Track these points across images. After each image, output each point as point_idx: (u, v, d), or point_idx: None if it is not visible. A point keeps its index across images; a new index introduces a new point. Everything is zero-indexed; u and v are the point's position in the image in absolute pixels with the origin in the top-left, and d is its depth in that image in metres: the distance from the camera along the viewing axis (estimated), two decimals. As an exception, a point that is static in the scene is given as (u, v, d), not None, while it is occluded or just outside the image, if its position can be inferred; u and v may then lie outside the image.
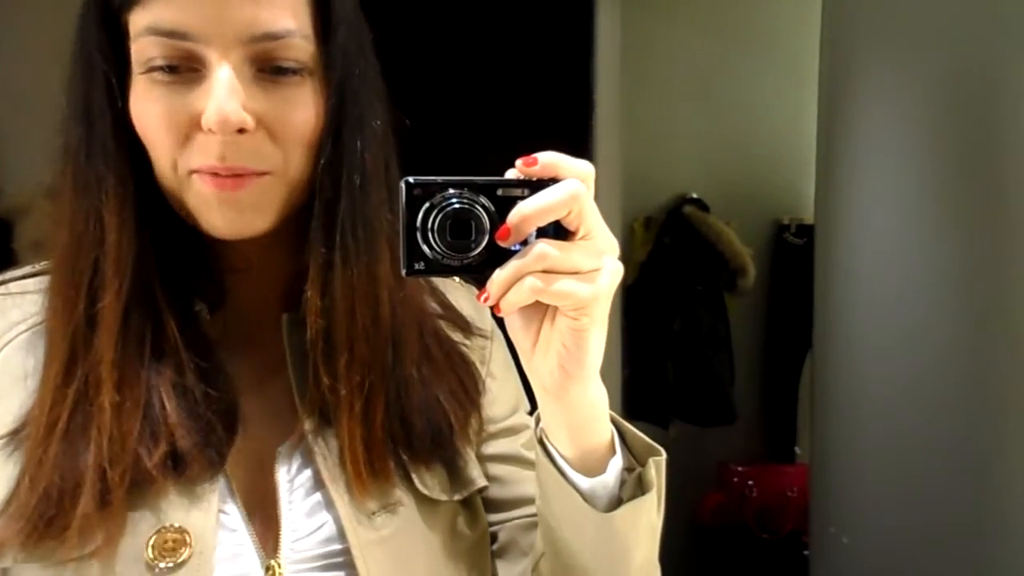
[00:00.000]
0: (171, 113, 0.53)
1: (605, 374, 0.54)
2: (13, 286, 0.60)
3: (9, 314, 0.58)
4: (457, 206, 0.48)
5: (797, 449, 2.79)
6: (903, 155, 1.38)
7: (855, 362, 1.55)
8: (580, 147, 1.98)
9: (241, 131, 0.52)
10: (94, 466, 0.52)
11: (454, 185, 0.48)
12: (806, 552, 2.05)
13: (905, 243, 1.39)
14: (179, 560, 0.53)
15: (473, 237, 0.48)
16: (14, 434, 0.54)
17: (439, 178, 0.48)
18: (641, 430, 0.57)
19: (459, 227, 0.48)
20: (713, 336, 2.78)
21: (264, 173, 0.54)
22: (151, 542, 0.53)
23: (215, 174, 0.53)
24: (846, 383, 1.57)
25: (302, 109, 0.55)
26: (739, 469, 2.77)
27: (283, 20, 0.53)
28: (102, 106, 0.54)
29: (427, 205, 0.48)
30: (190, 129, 0.53)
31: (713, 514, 2.79)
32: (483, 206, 0.48)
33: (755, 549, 2.68)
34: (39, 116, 1.62)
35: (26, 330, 0.57)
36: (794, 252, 2.78)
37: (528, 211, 0.46)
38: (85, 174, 0.55)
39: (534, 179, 0.48)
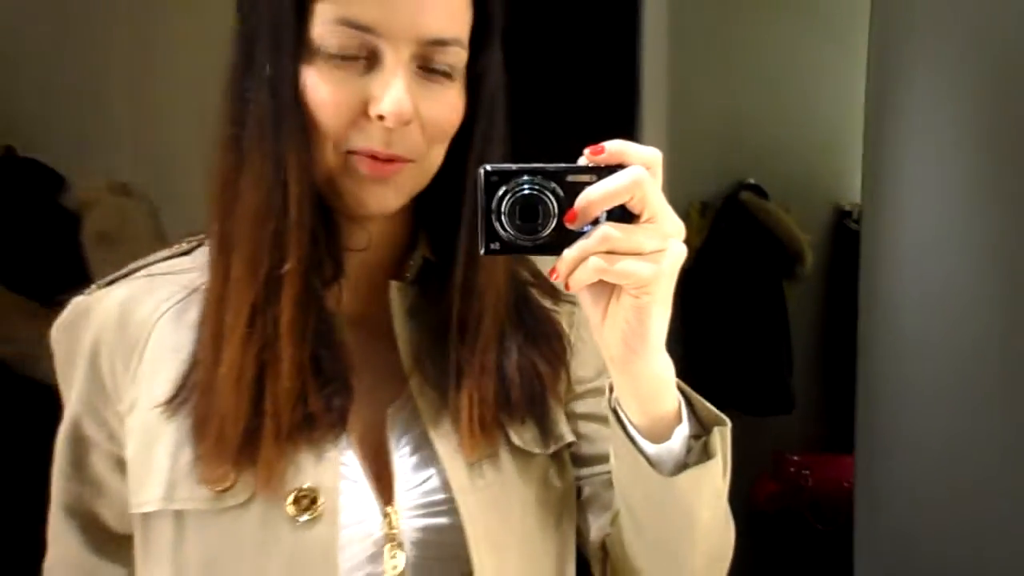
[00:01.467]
0: (343, 97, 0.58)
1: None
2: (155, 268, 0.67)
3: (157, 294, 0.65)
4: (527, 192, 0.51)
5: (856, 440, 2.72)
6: (951, 139, 1.35)
7: (900, 348, 1.51)
8: (625, 132, 1.99)
9: (407, 123, 0.58)
10: (270, 415, 0.59)
11: (527, 172, 0.52)
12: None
13: (952, 228, 1.36)
14: (314, 515, 0.60)
15: (540, 220, 0.51)
16: (171, 401, 0.61)
17: (514, 166, 0.52)
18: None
19: (527, 211, 0.52)
20: (770, 324, 2.75)
21: (410, 161, 0.60)
22: (290, 499, 0.60)
23: (373, 157, 0.59)
24: (891, 370, 1.55)
25: (448, 109, 0.61)
26: (795, 458, 2.74)
27: (453, 30, 0.60)
28: (289, 79, 0.58)
29: (502, 190, 0.52)
30: (357, 114, 0.58)
31: (768, 501, 2.77)
32: (552, 191, 0.51)
33: (810, 539, 2.65)
34: (107, 114, 1.73)
35: (171, 307, 0.64)
36: (855, 238, 2.70)
37: (593, 196, 0.50)
38: (271, 145, 0.59)
39: (602, 166, 0.51)
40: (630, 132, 1.98)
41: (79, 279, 1.35)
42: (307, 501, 0.60)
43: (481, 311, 0.64)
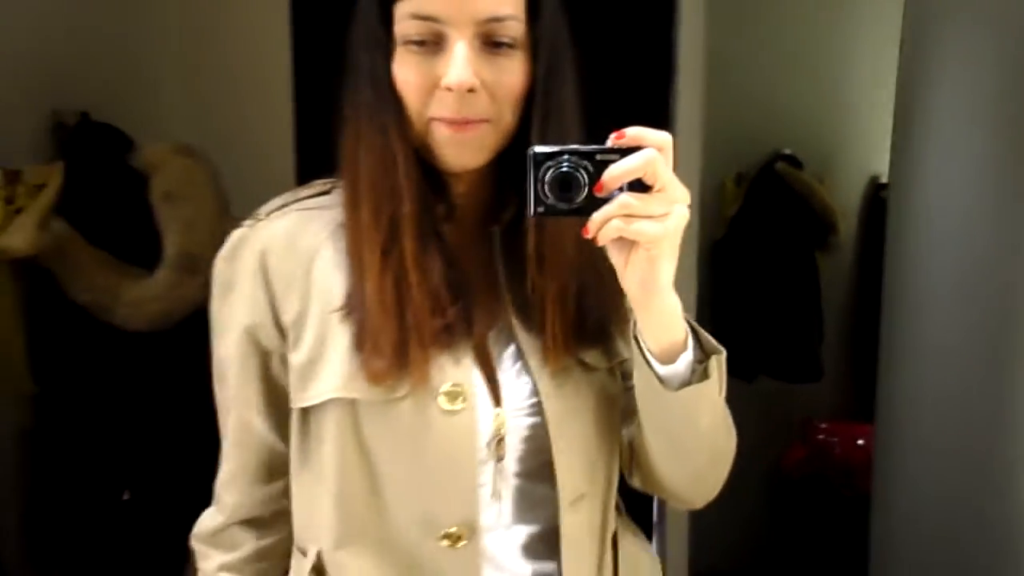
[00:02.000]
0: (420, 75, 0.72)
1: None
2: (305, 204, 0.80)
3: (313, 224, 0.78)
4: (565, 168, 0.65)
5: (883, 408, 2.75)
6: (980, 112, 1.37)
7: (923, 315, 1.54)
8: (661, 108, 2.02)
9: (471, 91, 0.71)
10: (413, 331, 0.73)
11: (566, 152, 0.65)
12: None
13: (979, 200, 1.38)
14: (461, 406, 0.74)
15: (574, 190, 0.65)
16: (346, 306, 0.74)
17: (555, 147, 0.66)
18: (726, 384, 0.75)
19: (565, 183, 0.65)
20: (802, 293, 2.77)
21: (484, 121, 0.73)
22: (442, 393, 0.74)
23: (450, 122, 0.72)
24: (913, 339, 1.57)
25: (513, 75, 0.73)
26: (823, 426, 2.77)
27: (505, 8, 0.71)
28: (385, 70, 0.73)
29: (545, 166, 0.65)
30: (433, 87, 0.72)
31: (795, 467, 2.82)
32: (584, 168, 0.65)
33: (837, 505, 2.70)
34: (171, 82, 1.83)
35: (328, 235, 0.77)
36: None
37: (616, 172, 0.64)
38: (377, 119, 0.74)
39: (624, 147, 0.65)
40: (666, 105, 2.02)
41: (148, 234, 1.46)
42: (452, 395, 0.74)
43: (556, 250, 0.77)
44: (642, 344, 0.72)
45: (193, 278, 1.44)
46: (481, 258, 0.80)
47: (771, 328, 2.73)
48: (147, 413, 1.50)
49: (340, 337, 0.74)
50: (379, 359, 0.72)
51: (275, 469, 0.82)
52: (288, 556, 0.84)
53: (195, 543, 0.85)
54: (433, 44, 0.71)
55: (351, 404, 0.74)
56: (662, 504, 2.20)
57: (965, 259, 1.42)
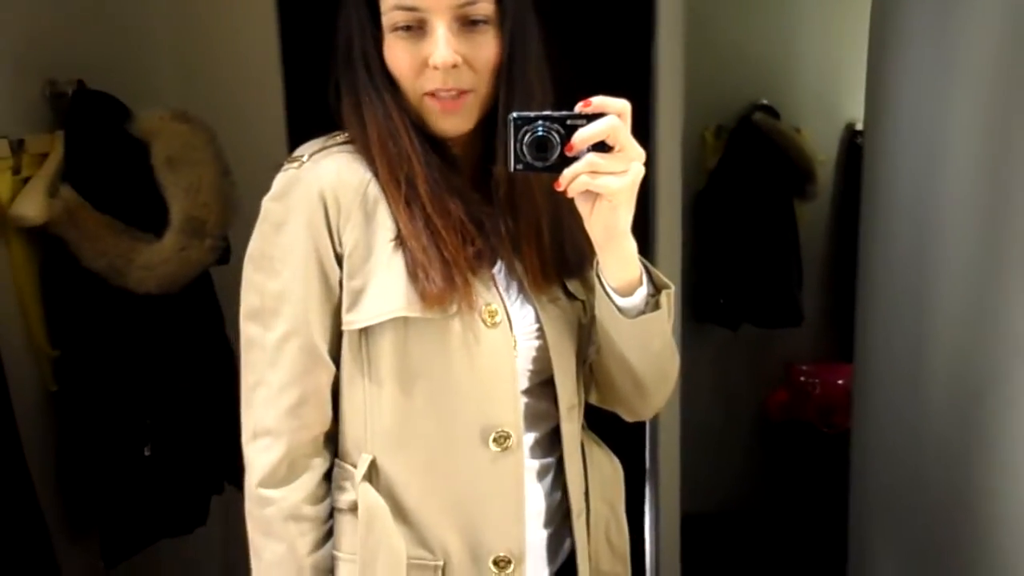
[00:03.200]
0: (410, 57, 0.83)
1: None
2: (345, 148, 0.89)
3: (358, 164, 0.88)
4: (540, 132, 0.77)
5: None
6: (953, 58, 1.39)
7: (896, 259, 1.58)
8: (642, 60, 2.05)
9: (454, 66, 0.82)
10: (451, 258, 0.84)
11: (541, 118, 0.77)
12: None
13: (953, 141, 1.41)
14: (496, 321, 0.87)
15: (548, 150, 0.77)
16: (397, 237, 0.85)
17: (532, 113, 0.77)
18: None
19: (540, 144, 0.77)
20: (781, 241, 2.83)
21: (468, 91, 0.84)
22: (484, 311, 0.86)
23: (441, 95, 0.84)
24: (888, 280, 1.62)
25: (488, 48, 0.84)
26: (804, 368, 2.87)
27: None
28: (374, 54, 0.85)
29: (523, 129, 0.77)
30: (422, 66, 0.83)
31: (778, 410, 2.92)
32: (557, 131, 0.77)
33: (818, 443, 2.80)
34: (163, 49, 1.85)
35: (371, 177, 0.87)
36: (865, 156, 2.76)
37: (583, 135, 0.76)
38: (371, 95, 0.86)
39: (590, 113, 0.76)
40: (647, 59, 2.05)
41: (153, 199, 1.50)
42: (493, 311, 0.87)
43: (525, 197, 0.89)
44: (603, 281, 0.85)
45: (199, 241, 1.49)
46: (483, 201, 0.90)
47: (752, 276, 2.80)
48: (162, 373, 1.56)
49: (395, 265, 0.85)
50: (433, 287, 0.83)
51: (330, 390, 0.90)
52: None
53: (260, 490, 0.88)
54: (418, 29, 0.82)
55: (405, 323, 0.84)
56: (654, 451, 2.28)
57: (939, 200, 1.45)
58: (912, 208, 1.54)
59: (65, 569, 1.36)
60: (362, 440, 0.89)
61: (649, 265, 0.89)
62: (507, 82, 0.85)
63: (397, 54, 0.84)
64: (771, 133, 2.74)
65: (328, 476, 0.92)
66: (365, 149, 0.88)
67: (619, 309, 0.86)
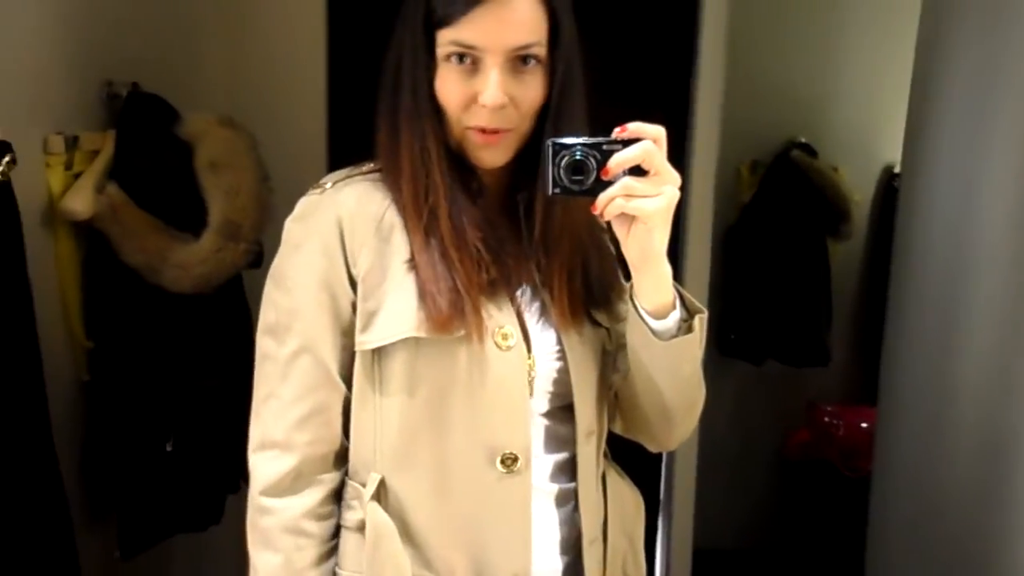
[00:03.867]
0: (460, 91, 0.86)
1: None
2: (368, 176, 0.93)
3: (378, 192, 0.91)
4: (578, 156, 0.79)
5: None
6: (994, 103, 1.39)
7: (927, 307, 1.57)
8: (682, 93, 2.07)
9: (501, 107, 0.85)
10: (462, 286, 0.86)
11: (579, 143, 0.79)
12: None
13: (988, 191, 1.40)
14: (509, 345, 0.88)
15: (584, 175, 0.79)
16: (410, 260, 0.88)
17: (570, 139, 0.79)
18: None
19: (577, 168, 0.79)
20: (812, 280, 2.80)
21: (509, 131, 0.87)
22: (497, 335, 0.88)
23: (483, 131, 0.87)
24: (916, 326, 1.60)
25: (535, 90, 0.87)
26: (827, 408, 2.83)
27: (532, 37, 0.85)
28: (424, 83, 0.87)
29: (561, 154, 0.79)
30: (470, 101, 0.86)
31: (799, 450, 2.88)
32: (594, 156, 0.79)
33: (838, 485, 2.74)
34: (213, 57, 1.91)
35: (391, 203, 0.90)
36: (903, 199, 2.74)
37: (620, 160, 0.79)
38: (412, 121, 0.88)
39: (626, 139, 0.79)
40: (686, 92, 2.07)
41: (194, 200, 1.54)
42: (505, 335, 0.88)
43: (559, 234, 0.91)
44: (637, 303, 0.87)
45: (235, 244, 1.52)
46: (509, 227, 0.93)
47: (781, 313, 2.76)
48: (189, 371, 1.59)
49: (407, 288, 0.87)
50: (439, 313, 0.85)
51: (341, 408, 0.91)
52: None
53: (262, 499, 0.90)
54: (471, 65, 0.85)
55: (416, 344, 0.86)
56: (669, 484, 2.27)
57: (972, 249, 1.44)
58: (945, 252, 1.53)
59: (82, 556, 1.39)
60: (371, 459, 0.90)
61: (683, 290, 0.90)
62: (554, 122, 0.87)
63: (448, 85, 0.86)
64: (808, 170, 2.73)
65: (336, 496, 0.93)
66: (393, 175, 0.90)
67: (652, 332, 0.87)
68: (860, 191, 2.82)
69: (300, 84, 1.98)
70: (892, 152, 2.81)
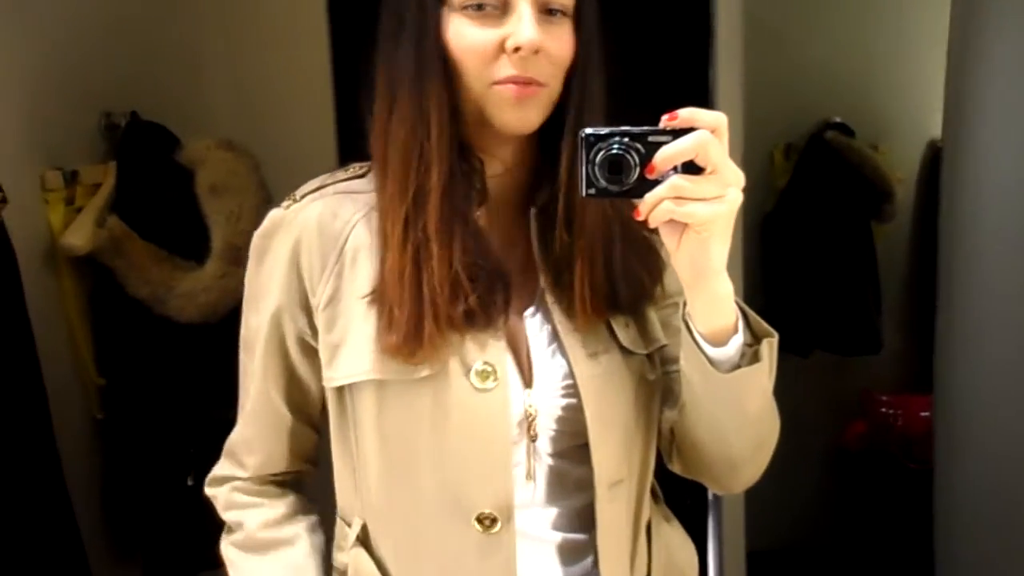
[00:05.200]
0: (482, 40, 0.73)
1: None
2: (340, 187, 0.82)
3: (346, 207, 0.80)
4: (615, 150, 0.64)
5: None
6: None
7: (979, 287, 1.48)
8: (701, 74, 1.98)
9: (536, 52, 0.72)
10: (429, 316, 0.73)
11: (617, 134, 0.64)
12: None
13: None
14: (487, 386, 0.75)
15: (625, 172, 0.64)
16: (373, 292, 0.76)
17: (607, 129, 0.65)
18: (781, 361, 0.74)
19: (616, 165, 0.64)
20: (858, 264, 2.70)
21: (543, 85, 0.74)
22: (474, 371, 0.75)
23: (515, 83, 0.72)
24: (970, 307, 1.51)
25: (566, 41, 0.75)
26: (883, 398, 2.71)
27: None
28: (433, 37, 0.73)
29: (596, 148, 0.65)
30: (495, 52, 0.73)
31: (856, 440, 2.76)
32: (636, 150, 0.64)
33: (902, 478, 2.63)
34: (212, 81, 1.87)
35: (360, 218, 0.79)
36: (949, 174, 2.61)
37: (667, 154, 0.63)
38: (417, 84, 0.74)
39: (676, 128, 0.64)
40: (706, 74, 1.98)
41: (197, 227, 1.51)
42: (484, 374, 0.75)
43: (582, 211, 0.77)
44: (691, 326, 0.72)
45: (238, 268, 1.48)
46: (517, 240, 0.81)
47: (826, 301, 2.66)
48: (205, 402, 1.55)
49: (369, 320, 0.76)
50: (393, 333, 0.73)
51: (292, 441, 0.85)
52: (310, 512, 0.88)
53: (206, 488, 0.89)
54: (493, 9, 0.72)
55: (379, 384, 0.76)
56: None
57: (1022, 223, 1.36)
58: (995, 230, 1.44)
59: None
60: (353, 502, 0.83)
61: (747, 309, 0.73)
62: (580, 85, 0.76)
63: (467, 36, 0.73)
64: (845, 151, 2.62)
65: (293, 516, 0.87)
66: (381, 154, 0.77)
67: (710, 361, 0.71)
68: (903, 169, 2.69)
69: (306, 103, 1.94)
70: (935, 126, 2.66)
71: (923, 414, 2.58)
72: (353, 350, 0.76)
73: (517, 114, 0.74)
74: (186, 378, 1.53)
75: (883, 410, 2.69)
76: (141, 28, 1.72)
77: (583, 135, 0.65)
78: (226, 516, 0.87)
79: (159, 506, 1.52)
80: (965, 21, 1.55)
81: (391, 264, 0.74)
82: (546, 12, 0.73)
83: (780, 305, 2.68)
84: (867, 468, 2.76)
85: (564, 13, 0.74)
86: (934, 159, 2.72)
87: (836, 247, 2.66)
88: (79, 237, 1.42)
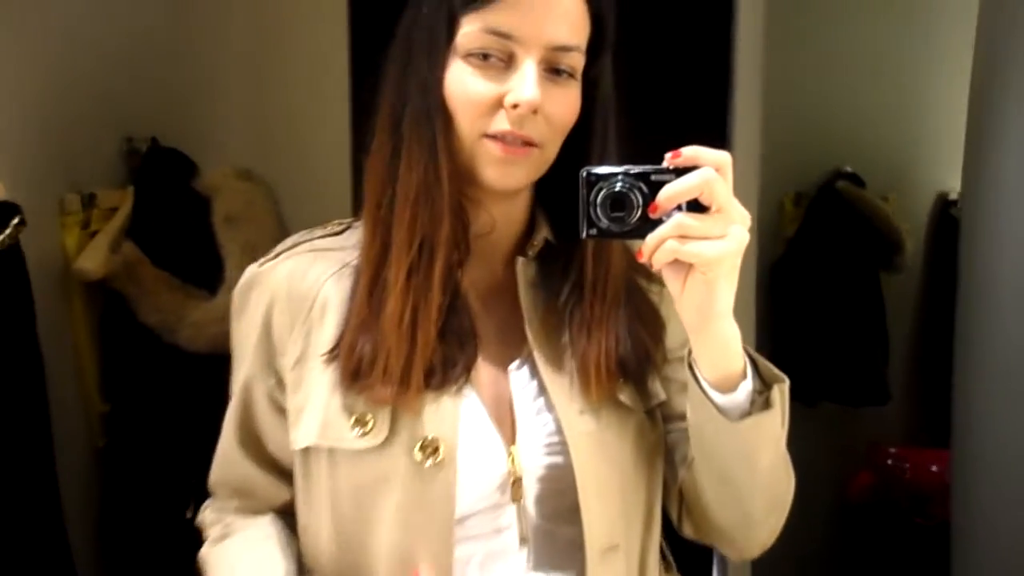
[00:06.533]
0: (481, 90, 0.70)
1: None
2: (316, 244, 0.80)
3: (318, 266, 0.77)
4: (617, 189, 0.63)
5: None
6: None
7: (999, 342, 1.47)
8: (718, 126, 1.99)
9: (535, 111, 0.70)
10: (421, 352, 0.71)
11: (619, 173, 0.63)
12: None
13: None
14: (437, 461, 0.71)
15: (627, 211, 0.63)
16: (332, 351, 0.73)
17: (609, 168, 0.64)
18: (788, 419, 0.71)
19: (617, 204, 0.63)
20: (866, 314, 2.69)
21: (537, 146, 0.72)
22: (416, 447, 0.71)
23: (506, 140, 0.70)
24: (991, 362, 1.50)
25: (568, 105, 0.73)
26: (892, 451, 2.67)
27: (575, 38, 0.71)
28: (438, 81, 0.71)
29: (598, 187, 0.63)
30: (492, 104, 0.70)
31: (863, 493, 2.72)
32: (639, 188, 0.63)
33: (910, 533, 2.59)
34: (233, 108, 1.88)
35: (330, 276, 0.76)
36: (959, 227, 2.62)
37: (671, 192, 0.62)
38: (426, 131, 0.71)
39: (680, 167, 0.63)
40: (723, 122, 1.99)
41: (211, 256, 1.50)
42: (430, 449, 0.71)
43: (607, 278, 0.76)
44: (697, 373, 0.69)
45: (254, 299, 1.47)
46: (502, 290, 0.78)
47: (834, 351, 2.64)
48: (209, 435, 1.53)
49: (325, 381, 0.73)
50: (383, 386, 0.70)
51: (264, 495, 0.82)
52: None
53: (199, 519, 0.88)
54: (498, 61, 0.70)
55: (332, 451, 0.73)
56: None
57: None
58: (1015, 285, 1.42)
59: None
60: (313, 557, 0.79)
61: (755, 354, 0.71)
62: (599, 152, 0.74)
63: (469, 84, 0.70)
64: (856, 201, 2.63)
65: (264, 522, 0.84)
66: (376, 211, 0.74)
67: (718, 409, 0.68)
68: (911, 220, 2.69)
69: (324, 134, 1.95)
70: (944, 179, 2.70)
71: (932, 467, 2.55)
72: (307, 415, 0.74)
73: (503, 171, 0.71)
74: (191, 408, 1.50)
75: (891, 463, 2.66)
76: (164, 54, 1.73)
77: (584, 173, 0.64)
78: (210, 531, 0.85)
79: (156, 538, 1.48)
80: (986, 79, 1.56)
81: (391, 311, 0.71)
82: (552, 71, 0.71)
83: (787, 353, 2.66)
84: (874, 522, 2.72)
85: (571, 75, 0.72)
86: (943, 211, 2.74)
87: (844, 297, 2.65)
88: (93, 262, 1.41)
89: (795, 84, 2.53)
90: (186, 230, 1.51)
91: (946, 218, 2.71)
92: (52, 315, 1.34)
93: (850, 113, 2.65)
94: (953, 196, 2.69)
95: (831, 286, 2.64)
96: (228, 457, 0.83)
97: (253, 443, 0.81)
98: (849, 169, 2.65)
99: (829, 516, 2.80)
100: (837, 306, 2.64)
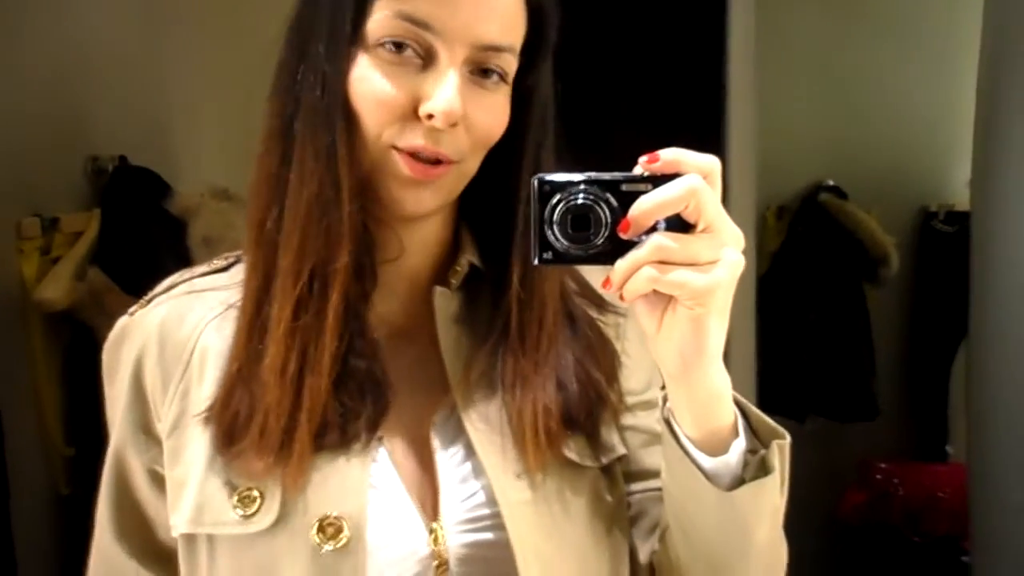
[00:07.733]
0: (390, 94, 0.57)
1: (739, 366, 0.55)
2: (196, 284, 0.66)
3: (196, 311, 0.64)
4: (580, 201, 0.50)
5: (949, 448, 2.63)
6: None
7: (1016, 356, 1.45)
8: (712, 136, 1.96)
9: (454, 123, 0.57)
10: (306, 412, 0.58)
11: (581, 182, 0.50)
12: (965, 558, 1.92)
13: None
14: (339, 544, 0.58)
15: (592, 230, 0.50)
16: (210, 409, 0.60)
17: (568, 175, 0.51)
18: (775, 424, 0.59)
19: (580, 220, 0.50)
20: (852, 328, 2.68)
21: (453, 163, 0.59)
22: (314, 528, 0.58)
23: (415, 156, 0.57)
24: (1007, 378, 1.48)
25: (495, 115, 0.60)
26: (883, 467, 2.65)
27: (508, 37, 0.59)
28: (340, 72, 0.58)
29: (555, 199, 0.50)
30: (406, 111, 0.57)
31: (855, 512, 2.69)
32: (606, 201, 0.50)
33: (905, 551, 2.56)
34: (208, 124, 1.76)
35: (209, 322, 0.63)
36: (943, 240, 2.63)
37: (646, 206, 0.49)
38: (323, 136, 0.58)
39: (657, 175, 0.50)
40: (716, 135, 1.95)
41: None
42: (332, 530, 0.58)
43: (540, 319, 0.62)
44: (676, 429, 0.56)
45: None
46: (418, 328, 0.65)
47: (821, 365, 2.63)
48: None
49: (202, 449, 0.60)
50: (260, 452, 0.57)
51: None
52: None
53: None
54: (415, 56, 0.57)
55: (211, 538, 0.60)
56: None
57: None
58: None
59: None
60: None
61: (745, 403, 0.57)
62: (532, 170, 0.60)
63: (375, 82, 0.57)
64: (839, 214, 2.63)
65: None
66: (265, 230, 0.60)
67: (704, 474, 0.55)
68: (893, 234, 2.70)
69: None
70: (927, 192, 2.72)
71: (926, 484, 2.53)
72: (182, 492, 0.61)
73: (411, 194, 0.59)
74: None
75: (883, 479, 2.63)
76: (132, 67, 1.63)
77: (537, 181, 0.51)
78: None
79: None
80: (992, 98, 1.55)
81: (272, 359, 0.58)
82: (479, 73, 0.59)
83: (774, 369, 2.64)
84: (867, 541, 2.68)
85: (502, 78, 0.59)
86: (924, 225, 2.75)
87: (830, 310, 2.65)
88: (55, 291, 1.30)
89: (777, 99, 2.52)
90: (159, 254, 1.40)
91: (928, 231, 2.72)
92: (8, 349, 1.23)
93: (832, 127, 2.65)
94: (934, 208, 2.70)
95: (816, 300, 2.63)
96: (106, 559, 0.67)
97: (137, 534, 0.66)
98: (831, 183, 2.65)
99: (821, 535, 2.76)
100: (823, 320, 2.63)
